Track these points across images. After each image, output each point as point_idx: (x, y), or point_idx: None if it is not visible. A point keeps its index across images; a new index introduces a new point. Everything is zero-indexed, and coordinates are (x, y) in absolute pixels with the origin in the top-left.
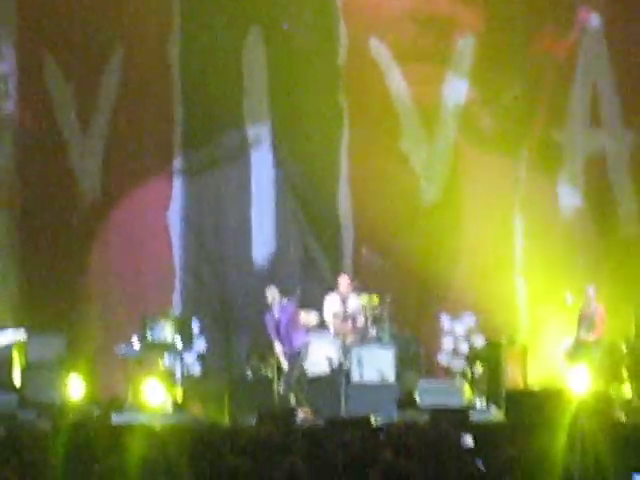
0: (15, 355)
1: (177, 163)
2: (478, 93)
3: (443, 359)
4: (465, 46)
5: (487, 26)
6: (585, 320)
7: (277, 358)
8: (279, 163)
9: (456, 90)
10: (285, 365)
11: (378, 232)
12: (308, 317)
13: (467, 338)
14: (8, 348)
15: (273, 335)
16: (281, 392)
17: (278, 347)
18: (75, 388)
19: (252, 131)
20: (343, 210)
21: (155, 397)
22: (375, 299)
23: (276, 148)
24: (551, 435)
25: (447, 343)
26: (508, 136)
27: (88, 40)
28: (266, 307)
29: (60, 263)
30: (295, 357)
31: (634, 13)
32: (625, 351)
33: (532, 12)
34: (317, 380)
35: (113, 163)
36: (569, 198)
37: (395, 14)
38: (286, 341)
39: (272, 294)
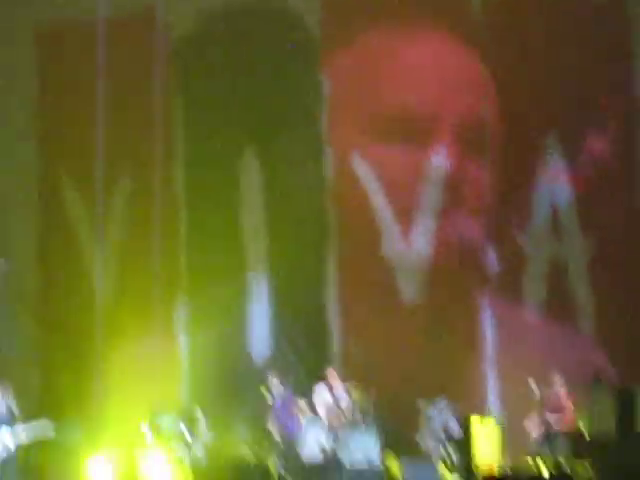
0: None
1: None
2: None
3: (419, 439)
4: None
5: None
6: (551, 405)
7: (276, 444)
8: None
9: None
10: (282, 449)
11: (362, 330)
12: (302, 405)
13: (442, 421)
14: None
15: (273, 422)
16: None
17: (277, 434)
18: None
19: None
20: (331, 312)
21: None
22: (360, 390)
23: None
24: None
25: (424, 425)
26: None
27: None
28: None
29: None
30: (291, 445)
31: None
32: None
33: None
34: (313, 467)
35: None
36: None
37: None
38: (284, 427)
39: (274, 384)
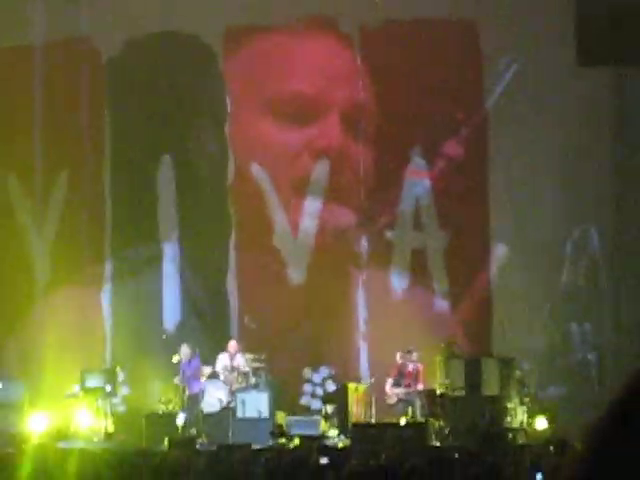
0: None
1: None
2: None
3: (304, 400)
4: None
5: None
6: (407, 376)
7: (183, 399)
8: (183, 267)
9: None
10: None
11: (257, 306)
12: (205, 370)
13: (322, 385)
14: None
15: (181, 381)
16: (185, 425)
17: (183, 390)
18: (34, 423)
19: (165, 243)
20: (230, 292)
21: (89, 428)
22: (255, 356)
23: (182, 255)
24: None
25: (308, 388)
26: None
27: (41, 164)
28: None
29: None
30: (195, 399)
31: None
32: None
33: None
34: (211, 416)
35: (60, 255)
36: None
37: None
38: (189, 386)
39: (184, 351)
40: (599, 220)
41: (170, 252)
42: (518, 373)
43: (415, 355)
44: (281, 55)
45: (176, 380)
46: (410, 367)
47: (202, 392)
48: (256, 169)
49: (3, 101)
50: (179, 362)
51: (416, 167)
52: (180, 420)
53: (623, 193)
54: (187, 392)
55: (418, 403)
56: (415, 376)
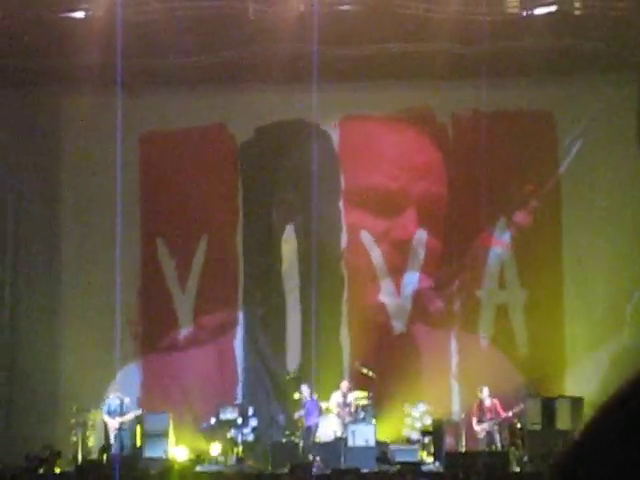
0: (137, 426)
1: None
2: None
3: (405, 432)
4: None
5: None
6: (487, 411)
7: (302, 430)
8: (304, 318)
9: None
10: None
11: (366, 354)
12: (324, 405)
13: (420, 419)
14: (132, 421)
15: (301, 415)
16: (304, 452)
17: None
18: (175, 449)
19: (289, 297)
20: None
21: (223, 455)
22: (363, 394)
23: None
24: None
25: (408, 422)
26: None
27: (187, 229)
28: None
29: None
30: (311, 430)
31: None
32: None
33: (473, 220)
34: (326, 445)
35: (200, 308)
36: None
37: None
38: (307, 420)
39: (305, 390)
40: None
41: (292, 305)
42: (587, 411)
43: (487, 390)
44: (380, 144)
45: (297, 414)
46: (488, 402)
47: (317, 425)
48: (365, 236)
49: (154, 175)
50: (300, 399)
51: (497, 237)
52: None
53: None
54: (305, 424)
55: (501, 435)
56: (495, 410)
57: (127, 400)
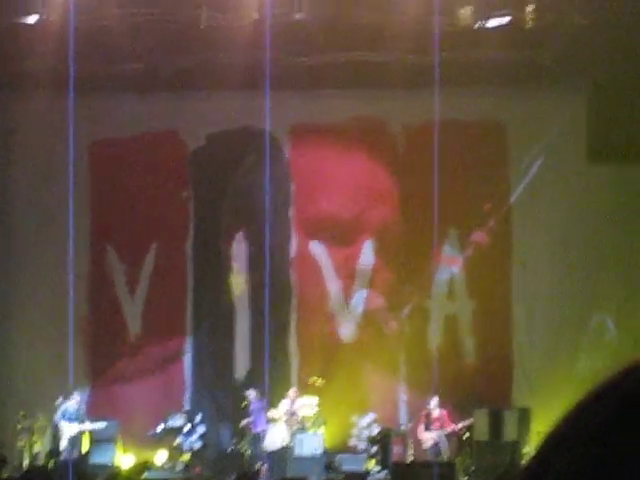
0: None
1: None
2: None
3: (353, 441)
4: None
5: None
6: (435, 421)
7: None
8: (252, 326)
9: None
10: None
11: (315, 362)
12: (271, 414)
13: (368, 428)
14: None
15: (247, 422)
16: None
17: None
18: (123, 456)
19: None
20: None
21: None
22: (311, 402)
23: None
24: None
25: (355, 431)
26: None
27: (136, 236)
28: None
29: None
30: (258, 438)
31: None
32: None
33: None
34: (273, 453)
35: (149, 314)
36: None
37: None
38: (254, 427)
39: (252, 394)
40: (611, 311)
41: (241, 312)
42: (534, 422)
43: (436, 400)
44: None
45: (244, 421)
46: (436, 413)
47: (264, 432)
48: (315, 246)
49: (104, 181)
50: (246, 406)
51: (448, 254)
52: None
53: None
54: (252, 431)
55: (447, 444)
56: (442, 420)
57: (83, 407)
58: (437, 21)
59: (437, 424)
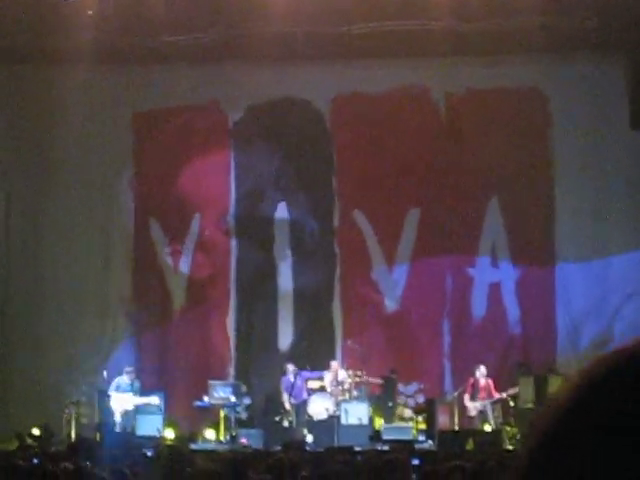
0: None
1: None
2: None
3: (398, 411)
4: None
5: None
6: (481, 390)
7: (291, 408)
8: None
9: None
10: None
11: (359, 330)
12: (313, 383)
13: (414, 397)
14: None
15: (287, 392)
16: (296, 430)
17: (289, 400)
18: (169, 427)
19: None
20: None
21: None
22: (355, 373)
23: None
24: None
25: (401, 400)
26: None
27: (179, 208)
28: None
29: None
30: (302, 407)
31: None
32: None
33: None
34: (319, 423)
35: (192, 286)
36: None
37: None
38: (296, 396)
39: (291, 367)
40: None
41: (285, 281)
42: None
43: (483, 369)
44: (379, 121)
45: (285, 394)
46: (482, 382)
47: (305, 402)
48: (358, 215)
49: (146, 154)
50: (288, 377)
51: (491, 222)
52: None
53: None
54: (293, 402)
55: (494, 413)
56: (488, 389)
57: (136, 380)
58: None
59: (483, 393)
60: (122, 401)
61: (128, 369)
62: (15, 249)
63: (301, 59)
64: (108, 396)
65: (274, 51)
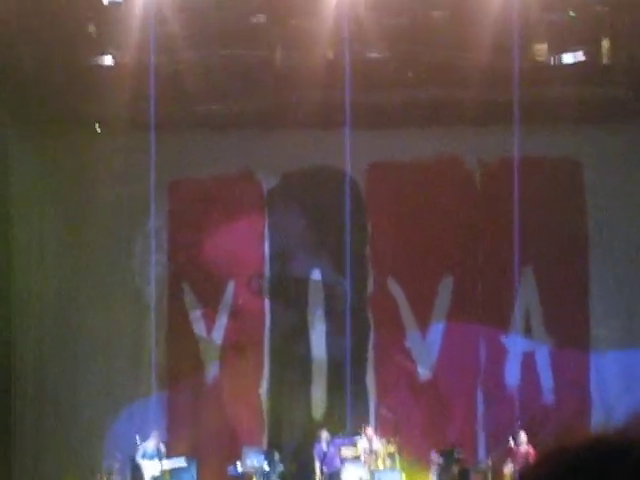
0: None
1: None
2: None
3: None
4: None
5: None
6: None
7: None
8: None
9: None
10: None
11: (391, 398)
12: (347, 451)
13: (447, 466)
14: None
15: (320, 460)
16: None
17: (322, 468)
18: None
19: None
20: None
21: None
22: (389, 441)
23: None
24: None
25: (434, 468)
26: None
27: (213, 275)
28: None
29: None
30: (335, 476)
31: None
32: None
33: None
34: None
35: (226, 354)
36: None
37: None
38: (328, 465)
39: (324, 435)
40: None
41: (318, 350)
42: None
43: (523, 436)
44: (413, 190)
45: (317, 462)
46: (522, 449)
47: (339, 471)
48: (392, 283)
49: (181, 221)
50: (321, 446)
51: (525, 290)
52: None
53: None
54: (326, 470)
55: None
56: (528, 457)
57: (162, 446)
58: (516, 56)
59: (521, 461)
60: (149, 468)
61: (154, 434)
62: (49, 318)
63: (336, 127)
64: (137, 464)
65: (310, 119)
